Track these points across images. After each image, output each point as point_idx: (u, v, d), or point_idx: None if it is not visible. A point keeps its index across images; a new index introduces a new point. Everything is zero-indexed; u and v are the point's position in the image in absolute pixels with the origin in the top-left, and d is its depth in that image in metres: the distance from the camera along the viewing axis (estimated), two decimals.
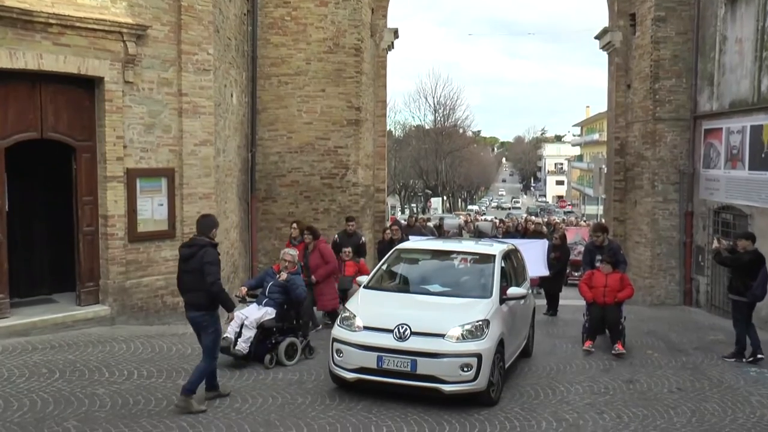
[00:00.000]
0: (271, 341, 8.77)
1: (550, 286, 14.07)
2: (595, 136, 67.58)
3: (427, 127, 69.52)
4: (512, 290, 8.29)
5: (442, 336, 7.19)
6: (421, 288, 8.43)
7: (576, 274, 19.03)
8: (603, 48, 18.03)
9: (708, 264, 14.68)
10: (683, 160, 15.51)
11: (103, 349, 8.87)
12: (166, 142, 10.79)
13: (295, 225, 12.01)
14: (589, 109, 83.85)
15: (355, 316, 7.60)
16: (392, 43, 17.81)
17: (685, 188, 15.43)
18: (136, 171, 10.39)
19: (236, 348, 8.47)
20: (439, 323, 7.34)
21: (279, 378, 8.27)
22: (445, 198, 73.28)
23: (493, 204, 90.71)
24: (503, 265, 8.64)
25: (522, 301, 8.76)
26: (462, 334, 7.22)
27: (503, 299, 8.05)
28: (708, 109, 14.87)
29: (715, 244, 10.38)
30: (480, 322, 7.37)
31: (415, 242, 10.80)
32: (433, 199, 66.95)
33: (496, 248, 9.08)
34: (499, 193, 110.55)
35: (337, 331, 7.61)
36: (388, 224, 17.28)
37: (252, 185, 15.27)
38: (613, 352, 9.90)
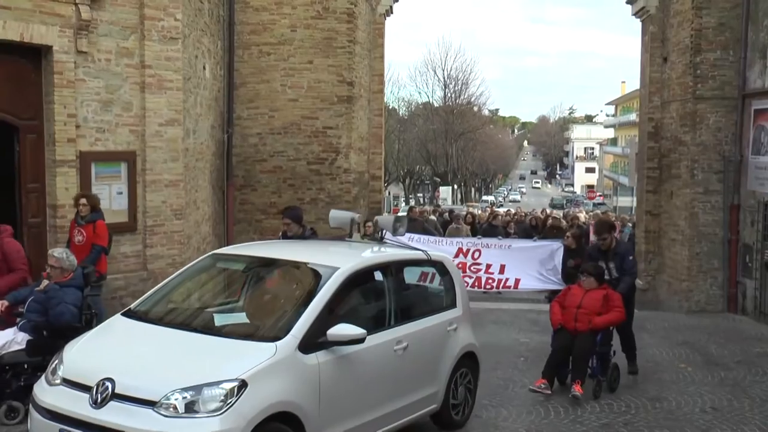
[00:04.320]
0: (17, 383, 7.14)
1: None
2: (632, 117, 67.43)
3: (436, 104, 69.51)
4: (338, 330, 5.76)
5: (153, 404, 5.08)
6: (199, 317, 6.41)
7: None
8: (636, 14, 17.99)
9: (757, 266, 14.69)
10: (728, 145, 15.45)
11: None
12: (126, 122, 10.81)
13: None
14: (625, 85, 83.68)
15: (62, 360, 5.75)
16: (391, 7, 17.84)
17: (731, 178, 15.39)
18: (91, 154, 10.41)
19: None
20: (152, 381, 5.23)
21: None
22: (456, 187, 73.32)
23: (510, 195, 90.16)
24: (342, 287, 6.21)
25: (400, 347, 6.57)
26: (185, 405, 5.06)
27: (317, 344, 5.73)
28: (759, 86, 14.81)
29: None
30: (225, 385, 5.14)
31: (237, 247, 8.49)
32: (441, 189, 66.99)
33: (348, 258, 6.75)
34: (518, 185, 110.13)
35: (38, 384, 5.84)
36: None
37: (228, 171, 15.32)
38: (570, 394, 8.45)
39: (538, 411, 8.15)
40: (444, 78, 69.40)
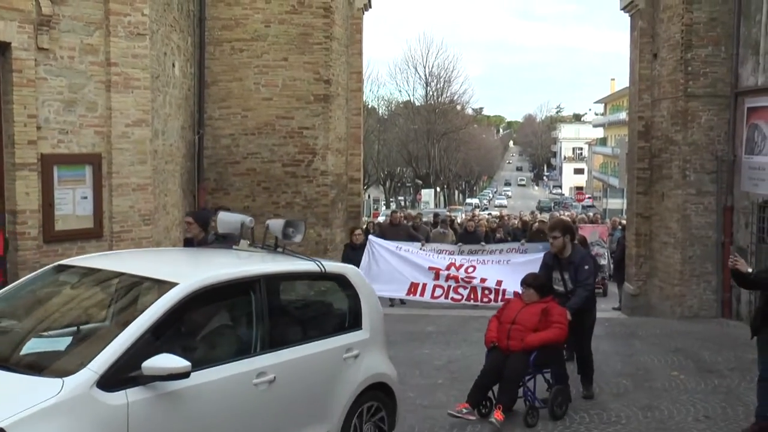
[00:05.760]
0: None
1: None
2: (622, 115, 67.93)
3: (417, 103, 69.74)
4: (155, 362, 4.89)
5: None
6: (6, 342, 5.46)
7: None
8: (624, 9, 18.18)
9: (753, 269, 14.81)
10: (721, 144, 15.62)
11: None
12: (90, 123, 10.74)
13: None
14: (615, 83, 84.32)
15: None
16: (369, 1, 17.87)
17: (724, 178, 15.54)
18: (54, 157, 10.34)
19: None
20: None
21: None
22: (438, 190, 73.49)
23: (496, 200, 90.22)
24: (178, 307, 5.34)
25: (263, 380, 5.72)
26: None
27: (129, 379, 4.90)
28: (752, 83, 14.97)
29: (733, 258, 7.85)
30: None
31: (88, 257, 7.42)
32: (423, 191, 67.21)
33: (198, 272, 5.90)
34: (504, 189, 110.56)
35: None
36: (365, 221, 17.35)
37: (199, 174, 15.30)
38: (489, 419, 7.95)
39: (522, 425, 8.18)
40: (425, 75, 69.78)
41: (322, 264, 6.68)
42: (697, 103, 15.68)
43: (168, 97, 13.15)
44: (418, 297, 12.52)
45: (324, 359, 6.34)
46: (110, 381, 4.80)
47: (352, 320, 6.86)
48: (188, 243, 10.10)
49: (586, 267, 8.76)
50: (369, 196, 62.90)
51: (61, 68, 10.37)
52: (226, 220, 7.37)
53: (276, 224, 6.96)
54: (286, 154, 15.58)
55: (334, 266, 7.03)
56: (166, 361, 4.92)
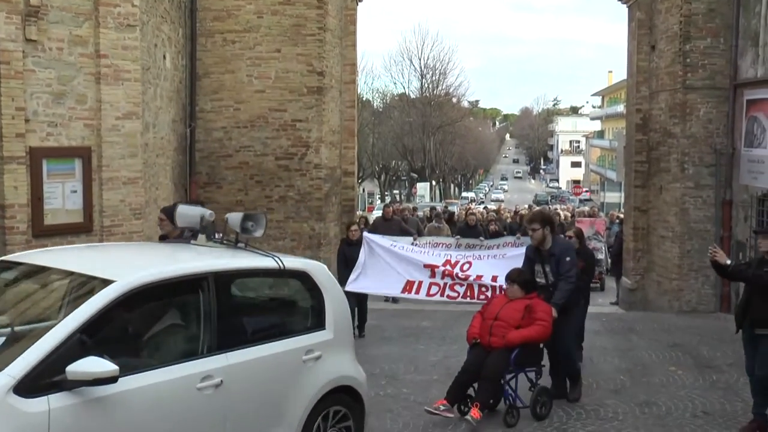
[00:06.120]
0: None
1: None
2: (619, 108, 68.01)
3: (412, 96, 69.71)
4: (81, 366, 4.65)
5: None
6: None
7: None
8: (622, 0, 18.16)
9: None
10: (720, 137, 15.65)
11: None
12: (80, 115, 10.73)
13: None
14: (612, 75, 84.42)
15: None
16: None
17: (723, 172, 15.58)
18: (42, 150, 10.32)
19: None
20: None
21: None
22: (434, 183, 73.54)
23: (493, 194, 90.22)
24: (113, 306, 5.10)
25: (209, 383, 5.47)
26: None
27: (52, 384, 4.66)
28: (752, 75, 14.98)
29: (712, 249, 8.02)
30: None
31: (32, 253, 6.88)
32: (419, 185, 67.25)
33: (138, 268, 5.59)
34: (500, 183, 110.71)
35: None
36: (359, 215, 17.28)
37: (191, 168, 15.28)
38: (465, 417, 7.81)
39: (522, 418, 8.18)
40: (421, 68, 69.71)
41: (281, 260, 6.32)
42: (695, 96, 15.70)
43: (159, 89, 13.12)
44: (413, 295, 12.43)
45: (280, 361, 6.08)
46: (30, 386, 4.54)
47: (314, 320, 6.61)
48: (163, 240, 9.82)
49: (568, 258, 8.56)
50: (363, 190, 62.84)
51: (49, 60, 10.34)
52: (185, 213, 7.09)
53: (235, 218, 6.67)
54: (279, 147, 15.56)
55: (296, 262, 6.72)
56: (91, 365, 4.66)
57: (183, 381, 5.32)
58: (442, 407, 7.87)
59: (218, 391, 5.52)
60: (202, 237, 6.74)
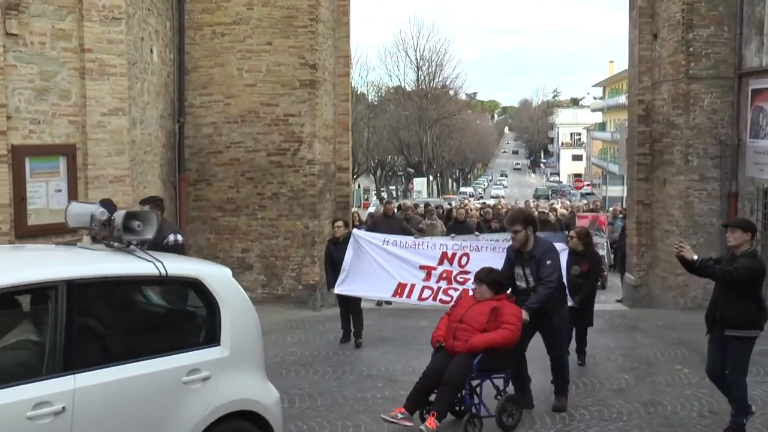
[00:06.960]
0: None
1: (576, 320, 10.39)
2: (621, 99, 68.07)
3: (408, 88, 69.74)
4: None
5: None
6: None
7: None
8: None
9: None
10: (725, 128, 15.62)
11: None
12: (64, 112, 10.70)
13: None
14: (614, 65, 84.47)
15: None
16: None
17: (728, 163, 15.55)
18: (25, 148, 10.27)
19: None
20: None
21: None
22: (431, 178, 73.54)
23: (492, 189, 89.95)
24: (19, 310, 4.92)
25: (46, 411, 4.82)
26: None
27: None
28: (757, 64, 14.97)
29: (678, 244, 7.84)
30: None
31: None
32: (416, 180, 67.21)
33: (54, 266, 5.33)
34: (499, 179, 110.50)
35: None
36: (354, 211, 17.19)
37: (180, 165, 15.21)
38: (420, 426, 7.44)
39: (523, 421, 8.15)
40: (417, 59, 69.88)
41: (163, 266, 5.62)
42: (699, 86, 15.67)
43: (146, 84, 13.07)
44: (404, 299, 12.01)
45: (148, 383, 5.36)
46: None
47: (206, 335, 5.90)
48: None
49: (548, 262, 8.15)
50: (359, 186, 62.92)
51: (31, 55, 10.29)
52: (76, 212, 6.45)
53: (119, 216, 5.94)
54: (271, 142, 15.49)
55: (184, 269, 6.02)
56: None
57: (8, 409, 4.65)
58: (400, 415, 7.56)
59: (59, 419, 4.84)
60: (87, 239, 6.11)
